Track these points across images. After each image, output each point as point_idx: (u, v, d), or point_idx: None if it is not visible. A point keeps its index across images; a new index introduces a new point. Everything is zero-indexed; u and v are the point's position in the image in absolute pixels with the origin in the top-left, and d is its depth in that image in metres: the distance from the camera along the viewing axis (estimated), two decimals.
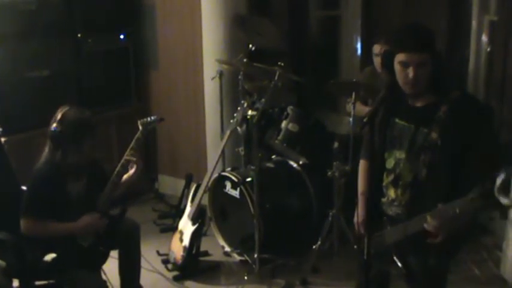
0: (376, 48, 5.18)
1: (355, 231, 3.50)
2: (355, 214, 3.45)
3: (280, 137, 5.20)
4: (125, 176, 4.07)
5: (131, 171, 4.10)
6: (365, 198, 3.36)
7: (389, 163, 3.21)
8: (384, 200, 3.28)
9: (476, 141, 2.98)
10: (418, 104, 3.12)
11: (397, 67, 3.03)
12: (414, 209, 3.08)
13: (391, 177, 3.21)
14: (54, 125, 3.77)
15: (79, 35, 5.96)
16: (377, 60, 5.17)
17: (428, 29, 3.07)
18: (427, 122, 3.05)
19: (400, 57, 3.00)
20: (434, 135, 3.01)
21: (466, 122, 2.99)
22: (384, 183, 3.26)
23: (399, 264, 3.17)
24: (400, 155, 3.16)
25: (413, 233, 3.03)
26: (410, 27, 3.10)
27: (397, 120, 3.18)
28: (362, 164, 3.49)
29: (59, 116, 3.79)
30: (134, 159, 4.07)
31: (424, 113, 3.08)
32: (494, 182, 2.62)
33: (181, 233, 4.99)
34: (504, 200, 2.59)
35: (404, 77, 3.01)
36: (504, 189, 2.60)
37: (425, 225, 2.95)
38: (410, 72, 2.97)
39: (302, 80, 5.39)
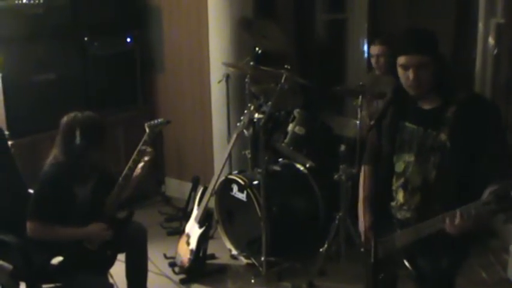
0: (373, 50, 5.19)
1: (362, 238, 3.47)
2: (360, 221, 3.43)
3: (286, 140, 5.20)
4: (136, 170, 4.07)
5: (142, 164, 4.11)
6: (369, 202, 3.35)
7: (399, 167, 3.21)
8: (393, 204, 3.27)
9: (485, 141, 2.98)
10: (426, 107, 3.12)
11: (399, 70, 3.06)
12: (424, 212, 3.07)
13: (401, 181, 3.21)
14: (78, 139, 3.77)
15: (85, 38, 5.98)
16: (373, 61, 5.19)
17: (430, 31, 3.08)
18: (435, 123, 3.05)
19: (400, 60, 3.03)
20: (443, 136, 3.02)
21: (474, 122, 2.98)
22: (394, 187, 3.26)
23: (409, 267, 3.16)
24: (410, 158, 3.16)
25: (427, 234, 3.02)
26: (410, 31, 3.13)
27: (406, 123, 3.18)
28: (365, 170, 3.47)
29: (77, 129, 3.78)
30: (148, 149, 4.07)
31: (433, 115, 3.08)
32: (510, 184, 2.61)
33: (188, 236, 4.99)
34: None
35: (405, 79, 3.04)
36: None
37: (445, 225, 2.92)
38: (411, 74, 2.99)
39: (308, 83, 5.38)
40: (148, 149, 4.10)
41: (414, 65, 2.98)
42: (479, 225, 2.90)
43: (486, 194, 2.73)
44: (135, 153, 4.05)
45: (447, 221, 2.88)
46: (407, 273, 3.19)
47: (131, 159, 4.03)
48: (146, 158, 4.12)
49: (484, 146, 2.97)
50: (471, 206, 2.79)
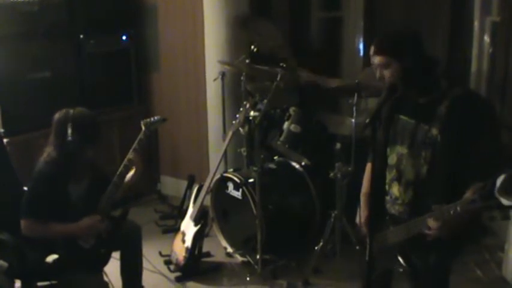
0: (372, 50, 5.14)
1: (357, 231, 3.50)
2: (357, 215, 3.47)
3: (282, 138, 5.20)
4: (126, 178, 4.07)
5: (131, 173, 4.09)
6: (367, 198, 3.37)
7: (392, 159, 3.24)
8: (387, 198, 3.29)
9: (476, 139, 2.99)
10: (421, 101, 3.15)
11: None
12: (416, 208, 3.09)
13: (394, 173, 3.23)
14: (69, 133, 3.76)
15: (81, 36, 5.97)
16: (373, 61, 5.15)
17: (397, 34, 3.26)
18: (427, 118, 3.08)
19: None
20: (434, 131, 3.04)
21: (466, 118, 3.00)
22: (387, 180, 3.27)
23: (402, 263, 3.18)
24: (402, 150, 3.19)
25: (415, 233, 3.05)
26: (383, 34, 3.25)
27: (401, 116, 3.22)
28: (368, 166, 3.51)
29: (69, 124, 3.78)
30: (134, 158, 4.05)
31: (425, 109, 3.11)
32: (494, 183, 2.62)
33: (184, 234, 4.99)
34: (505, 201, 2.59)
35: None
36: (505, 190, 2.60)
37: (426, 229, 2.97)
38: (376, 72, 3.17)
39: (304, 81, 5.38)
40: (134, 159, 4.07)
41: (376, 64, 3.15)
42: (463, 223, 2.92)
43: (469, 193, 2.76)
44: (131, 150, 4.04)
45: (423, 226, 2.93)
46: (401, 269, 3.20)
47: (127, 157, 4.02)
48: (134, 169, 4.10)
49: (475, 143, 2.98)
50: (457, 203, 2.81)
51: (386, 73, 3.10)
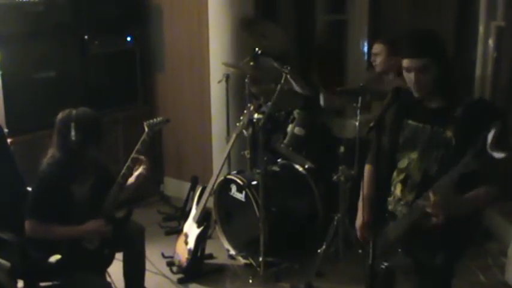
0: (375, 48, 5.14)
1: (358, 235, 3.50)
2: (357, 218, 3.46)
3: (286, 141, 5.20)
4: (132, 177, 4.07)
5: (138, 172, 4.10)
6: (369, 202, 3.36)
7: (403, 163, 3.25)
8: (390, 198, 3.29)
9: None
10: (432, 105, 3.15)
11: (403, 72, 3.09)
12: None
13: (402, 175, 3.23)
14: (73, 133, 3.77)
15: (86, 37, 5.96)
16: (374, 59, 5.13)
17: (431, 32, 3.19)
18: (441, 121, 3.08)
19: (403, 63, 3.11)
20: (449, 133, 3.05)
21: (479, 123, 3.00)
22: (393, 181, 3.27)
23: (407, 261, 3.18)
24: (414, 155, 3.19)
25: (416, 219, 3.04)
26: (411, 33, 3.21)
27: (410, 121, 3.22)
28: (367, 169, 3.49)
29: (72, 125, 3.78)
30: (142, 158, 4.07)
31: (439, 114, 3.11)
32: (486, 138, 2.63)
33: (186, 235, 4.99)
34: (497, 155, 2.59)
35: (409, 81, 3.12)
36: (496, 144, 2.60)
37: (425, 204, 2.96)
38: (412, 76, 3.06)
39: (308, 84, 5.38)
40: (142, 157, 4.09)
41: (415, 68, 3.05)
42: (466, 207, 2.92)
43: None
44: (135, 151, 4.05)
45: (425, 203, 2.93)
46: (404, 266, 3.20)
47: (130, 158, 4.03)
48: (141, 168, 4.12)
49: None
50: (452, 171, 2.82)
51: (425, 77, 3.04)
